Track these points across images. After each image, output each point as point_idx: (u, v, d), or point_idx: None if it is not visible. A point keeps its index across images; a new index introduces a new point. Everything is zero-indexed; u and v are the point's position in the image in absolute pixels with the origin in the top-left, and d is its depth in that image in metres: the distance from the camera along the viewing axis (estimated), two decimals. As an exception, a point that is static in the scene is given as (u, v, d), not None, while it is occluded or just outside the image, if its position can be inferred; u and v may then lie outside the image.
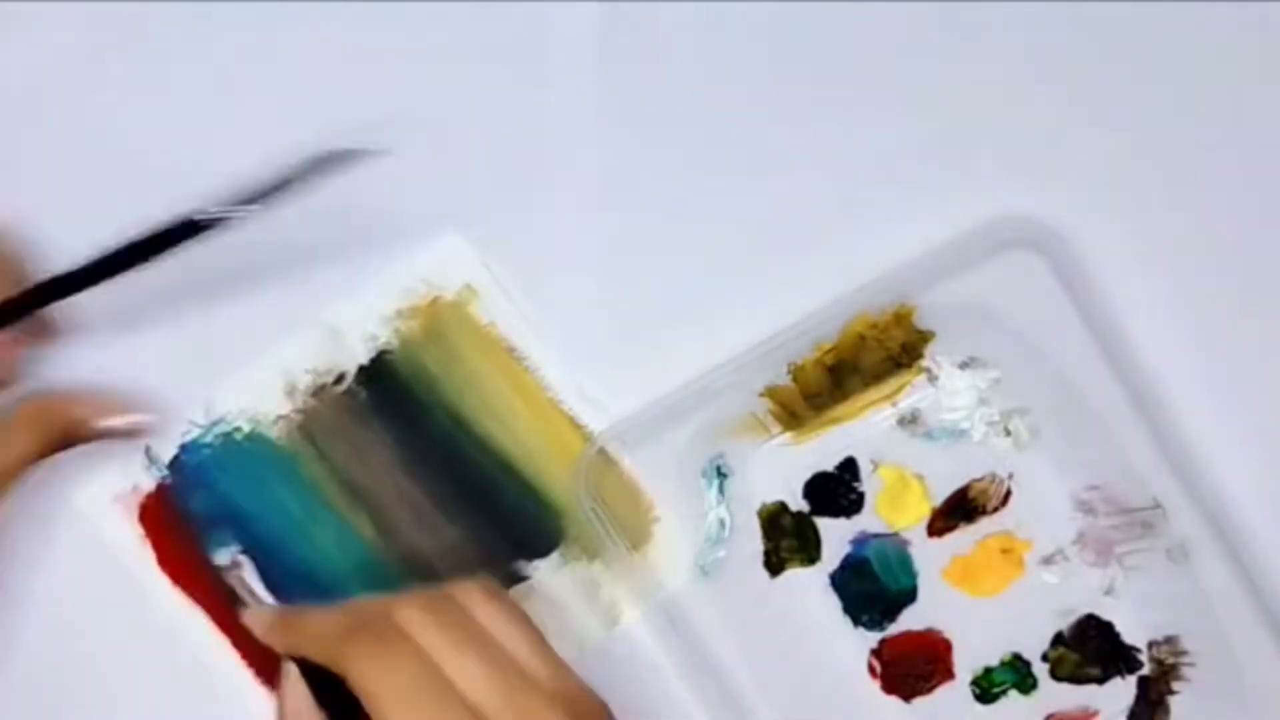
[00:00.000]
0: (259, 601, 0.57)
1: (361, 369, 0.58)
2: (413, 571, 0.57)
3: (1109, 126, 0.58)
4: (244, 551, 0.58)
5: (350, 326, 0.58)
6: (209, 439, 0.58)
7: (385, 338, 0.58)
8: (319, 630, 0.49)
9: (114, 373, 0.57)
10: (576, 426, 0.58)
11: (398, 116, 0.57)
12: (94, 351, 0.57)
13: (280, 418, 0.58)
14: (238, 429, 0.58)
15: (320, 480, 0.58)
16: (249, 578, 0.57)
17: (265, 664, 0.57)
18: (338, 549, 0.57)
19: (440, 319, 0.58)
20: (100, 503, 0.58)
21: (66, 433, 0.55)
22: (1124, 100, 0.58)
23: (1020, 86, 0.58)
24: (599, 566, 0.58)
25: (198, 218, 0.52)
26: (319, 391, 0.58)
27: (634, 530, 0.58)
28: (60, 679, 0.58)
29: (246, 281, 0.57)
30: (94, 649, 0.58)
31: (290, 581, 0.57)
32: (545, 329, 0.58)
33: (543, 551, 0.58)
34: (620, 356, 0.58)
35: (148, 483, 0.58)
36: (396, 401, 0.58)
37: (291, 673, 0.50)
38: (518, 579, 0.58)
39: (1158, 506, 0.57)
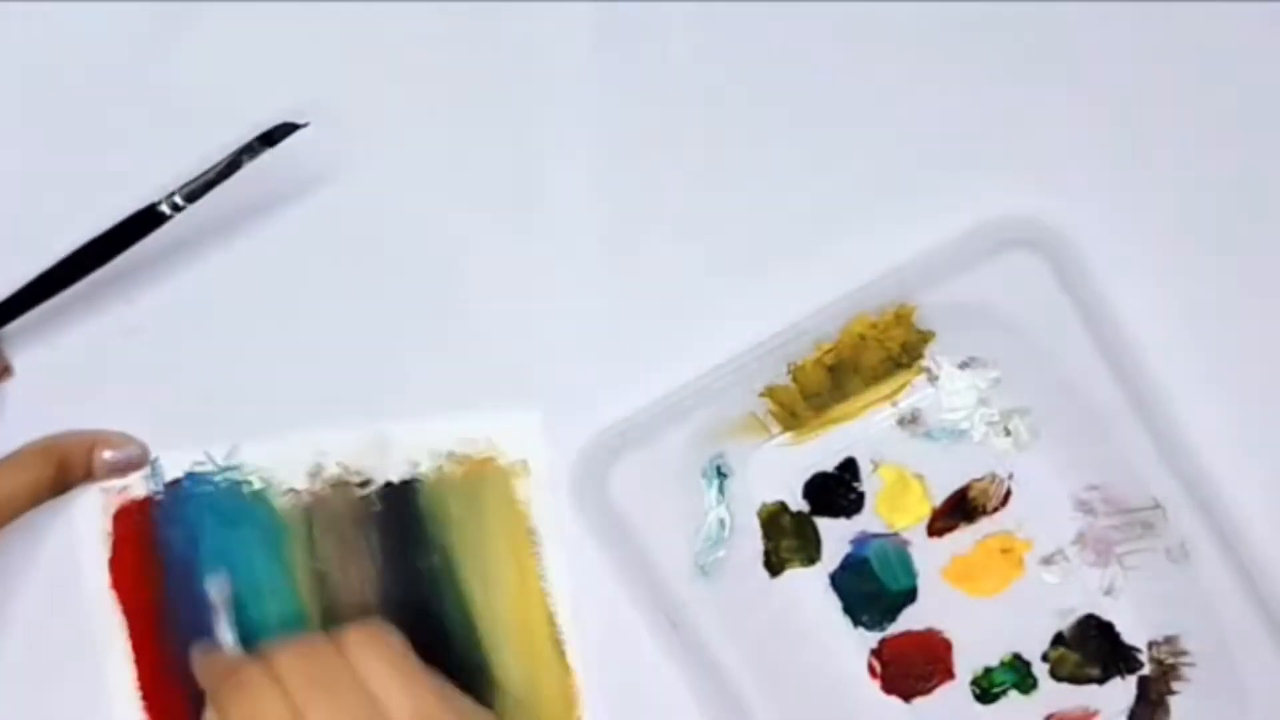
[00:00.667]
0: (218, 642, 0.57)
1: (389, 484, 0.58)
2: None
3: (1108, 125, 0.58)
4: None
5: (400, 444, 0.58)
6: (218, 479, 0.58)
7: (425, 468, 0.58)
8: (212, 673, 0.52)
9: (173, 382, 0.58)
10: (552, 624, 0.58)
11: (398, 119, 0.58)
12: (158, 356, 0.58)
13: (292, 491, 0.58)
14: (248, 482, 0.58)
15: (297, 563, 0.58)
16: (222, 618, 0.58)
17: (159, 699, 0.58)
18: (279, 627, 0.58)
19: (483, 478, 0.58)
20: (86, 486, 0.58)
21: (66, 468, 0.56)
22: (1123, 99, 0.58)
23: (1018, 86, 0.58)
24: None
25: (156, 206, 0.54)
26: (339, 486, 0.58)
27: None
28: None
29: (333, 355, 0.58)
30: (8, 613, 0.58)
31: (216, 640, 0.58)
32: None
33: None
34: (620, 357, 0.58)
35: (139, 490, 0.58)
36: (403, 528, 0.58)
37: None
38: None
39: (1158, 506, 0.57)
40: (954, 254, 0.57)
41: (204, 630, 0.58)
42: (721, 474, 0.58)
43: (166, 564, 0.58)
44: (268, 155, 0.55)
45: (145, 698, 0.58)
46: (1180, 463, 0.57)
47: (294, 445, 0.58)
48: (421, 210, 0.59)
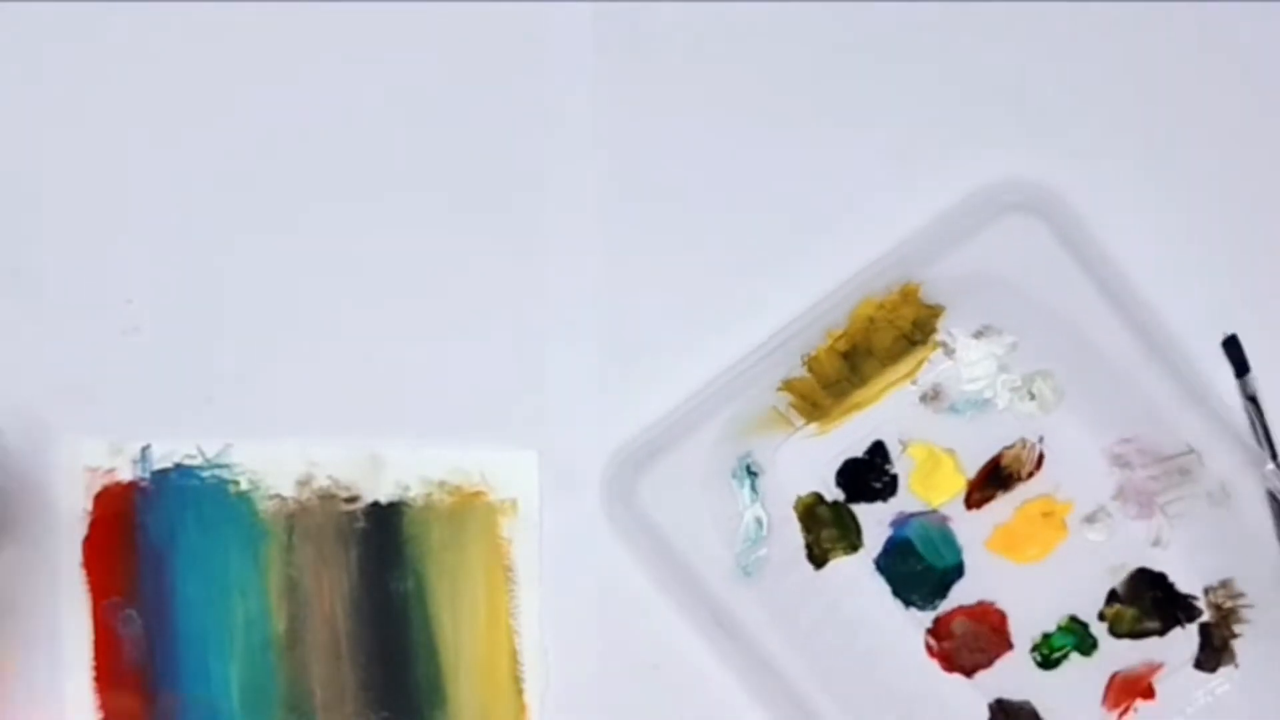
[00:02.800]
0: None
1: (375, 504, 0.59)
2: (291, 682, 0.58)
3: (1097, 85, 0.58)
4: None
5: (392, 466, 0.59)
6: (205, 474, 0.58)
7: (415, 493, 0.59)
8: None
9: (173, 372, 0.58)
10: (514, 661, 0.58)
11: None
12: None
13: (278, 497, 0.58)
14: (235, 482, 0.58)
15: (271, 565, 0.58)
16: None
17: (111, 682, 0.58)
18: (243, 625, 0.58)
19: (469, 510, 0.58)
20: (72, 460, 0.58)
21: None
22: (1113, 57, 0.58)
23: (1006, 51, 0.59)
24: None
25: None
26: (326, 498, 0.59)
27: None
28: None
29: (338, 367, 0.59)
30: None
31: (180, 631, 0.58)
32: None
33: None
34: (629, 371, 0.58)
35: (125, 473, 0.58)
36: (383, 548, 0.58)
37: None
38: None
39: (1192, 451, 0.57)
40: (953, 224, 0.57)
41: (168, 623, 0.58)
42: (752, 473, 0.58)
43: (141, 551, 0.58)
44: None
45: (98, 679, 0.58)
46: (1208, 404, 0.56)
47: (287, 451, 0.58)
48: (424, 222, 0.59)
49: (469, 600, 0.58)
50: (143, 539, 0.58)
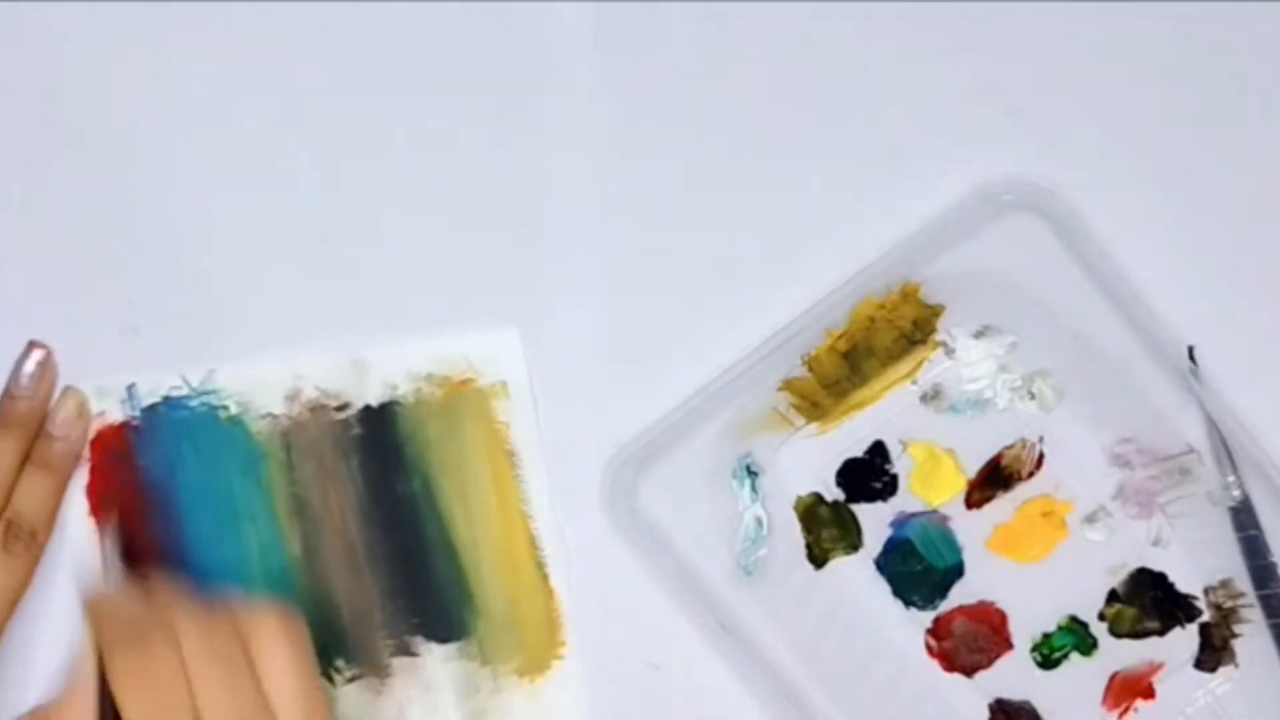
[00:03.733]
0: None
1: (367, 408, 0.58)
2: (316, 602, 0.57)
3: (1096, 83, 0.59)
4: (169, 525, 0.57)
5: (378, 366, 0.58)
6: (194, 403, 0.58)
7: (404, 391, 0.58)
8: (107, 619, 0.47)
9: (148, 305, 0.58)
10: (533, 545, 0.58)
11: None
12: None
13: (269, 416, 0.58)
14: (224, 407, 0.58)
15: (275, 487, 0.57)
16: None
17: None
18: (259, 553, 0.57)
19: (462, 399, 0.58)
20: (64, 409, 0.57)
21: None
22: (1111, 55, 0.59)
23: (1002, 50, 0.59)
24: (487, 674, 0.57)
25: None
26: (317, 410, 0.58)
27: (533, 657, 0.57)
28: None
29: (309, 277, 0.58)
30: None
31: (196, 566, 0.57)
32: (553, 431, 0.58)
33: (443, 638, 0.57)
34: (630, 371, 0.58)
35: (116, 414, 0.58)
36: (382, 451, 0.58)
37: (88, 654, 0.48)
38: (408, 652, 0.57)
39: (1192, 451, 0.57)
40: (952, 223, 0.57)
41: (184, 562, 0.57)
42: (752, 473, 0.58)
43: (145, 492, 0.57)
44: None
45: None
46: (1208, 404, 0.56)
47: (271, 368, 0.58)
48: (421, 209, 0.59)
49: (477, 491, 0.57)
50: (144, 479, 0.57)
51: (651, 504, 0.57)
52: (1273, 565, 0.56)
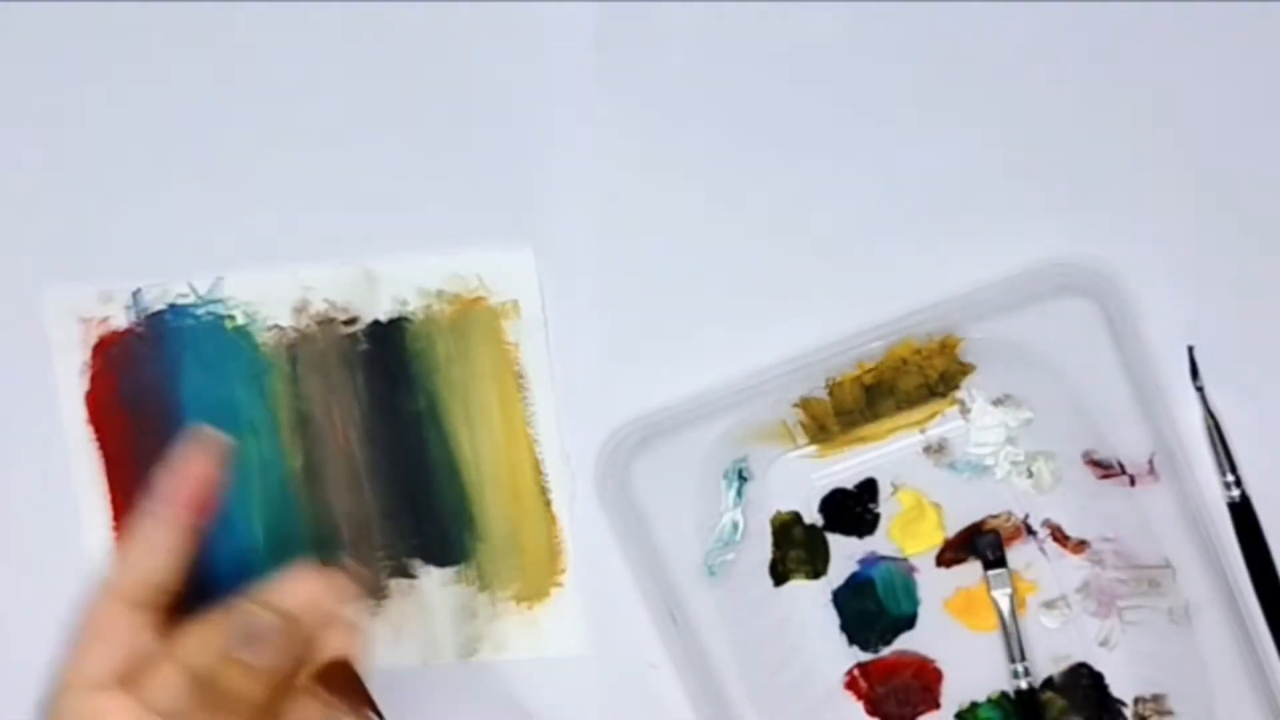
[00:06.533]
0: None
1: (376, 323, 0.57)
2: (315, 520, 0.57)
3: (1178, 175, 0.57)
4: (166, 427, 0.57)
5: (388, 281, 0.57)
6: (200, 312, 0.57)
7: (414, 307, 0.57)
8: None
9: (156, 210, 0.57)
10: (537, 470, 0.57)
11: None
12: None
13: (276, 327, 0.57)
14: (230, 317, 0.57)
15: (279, 398, 0.57)
16: None
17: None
18: (259, 467, 0.57)
19: (472, 318, 0.57)
20: (63, 312, 0.57)
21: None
22: (1190, 150, 0.57)
23: (1087, 130, 0.57)
24: (484, 599, 0.57)
25: None
26: (325, 323, 0.57)
27: (532, 583, 0.57)
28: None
29: (321, 186, 0.57)
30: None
31: None
32: (564, 356, 0.57)
33: (442, 561, 0.57)
34: (657, 350, 0.58)
35: (120, 320, 0.57)
36: (390, 367, 0.57)
37: None
38: (406, 574, 0.57)
39: (1168, 566, 0.57)
40: (1009, 291, 0.56)
41: None
42: (742, 477, 0.58)
43: (146, 400, 0.57)
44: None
45: (116, 518, 0.58)
46: (1199, 526, 0.56)
47: (279, 279, 0.57)
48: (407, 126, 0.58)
49: (483, 412, 0.57)
50: (146, 389, 0.57)
51: (642, 483, 0.57)
52: (1273, 565, 0.57)
